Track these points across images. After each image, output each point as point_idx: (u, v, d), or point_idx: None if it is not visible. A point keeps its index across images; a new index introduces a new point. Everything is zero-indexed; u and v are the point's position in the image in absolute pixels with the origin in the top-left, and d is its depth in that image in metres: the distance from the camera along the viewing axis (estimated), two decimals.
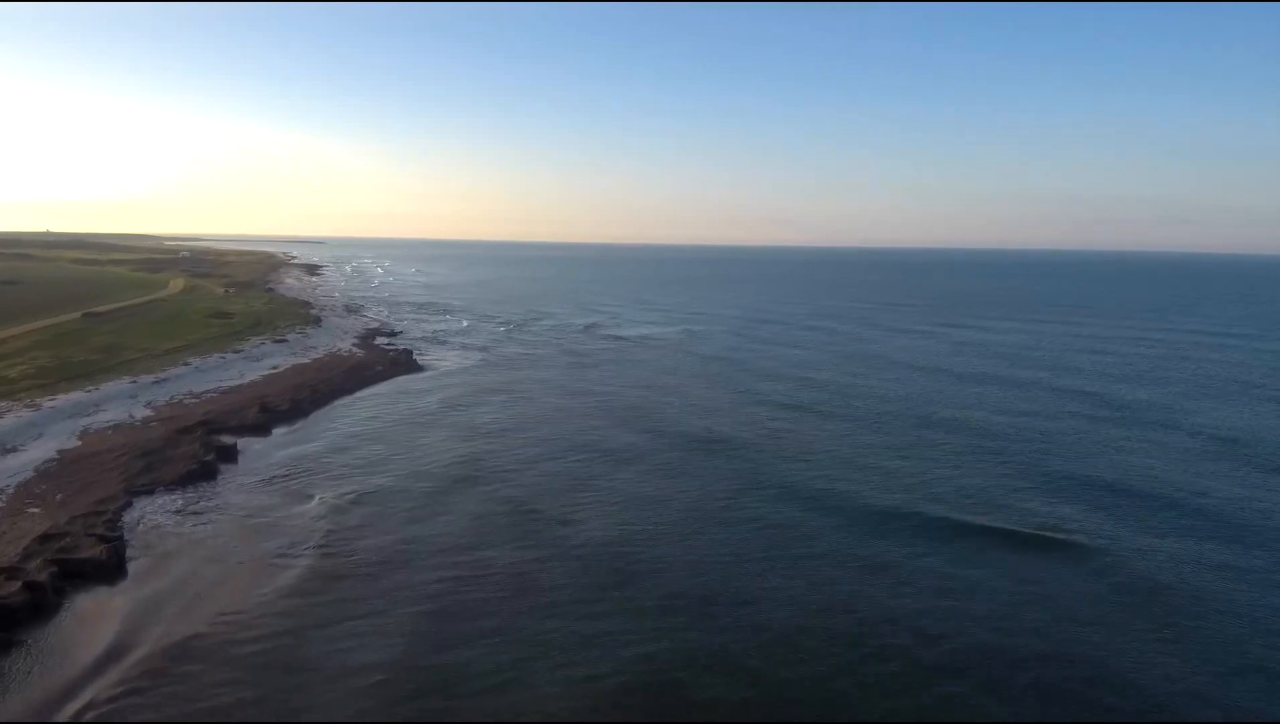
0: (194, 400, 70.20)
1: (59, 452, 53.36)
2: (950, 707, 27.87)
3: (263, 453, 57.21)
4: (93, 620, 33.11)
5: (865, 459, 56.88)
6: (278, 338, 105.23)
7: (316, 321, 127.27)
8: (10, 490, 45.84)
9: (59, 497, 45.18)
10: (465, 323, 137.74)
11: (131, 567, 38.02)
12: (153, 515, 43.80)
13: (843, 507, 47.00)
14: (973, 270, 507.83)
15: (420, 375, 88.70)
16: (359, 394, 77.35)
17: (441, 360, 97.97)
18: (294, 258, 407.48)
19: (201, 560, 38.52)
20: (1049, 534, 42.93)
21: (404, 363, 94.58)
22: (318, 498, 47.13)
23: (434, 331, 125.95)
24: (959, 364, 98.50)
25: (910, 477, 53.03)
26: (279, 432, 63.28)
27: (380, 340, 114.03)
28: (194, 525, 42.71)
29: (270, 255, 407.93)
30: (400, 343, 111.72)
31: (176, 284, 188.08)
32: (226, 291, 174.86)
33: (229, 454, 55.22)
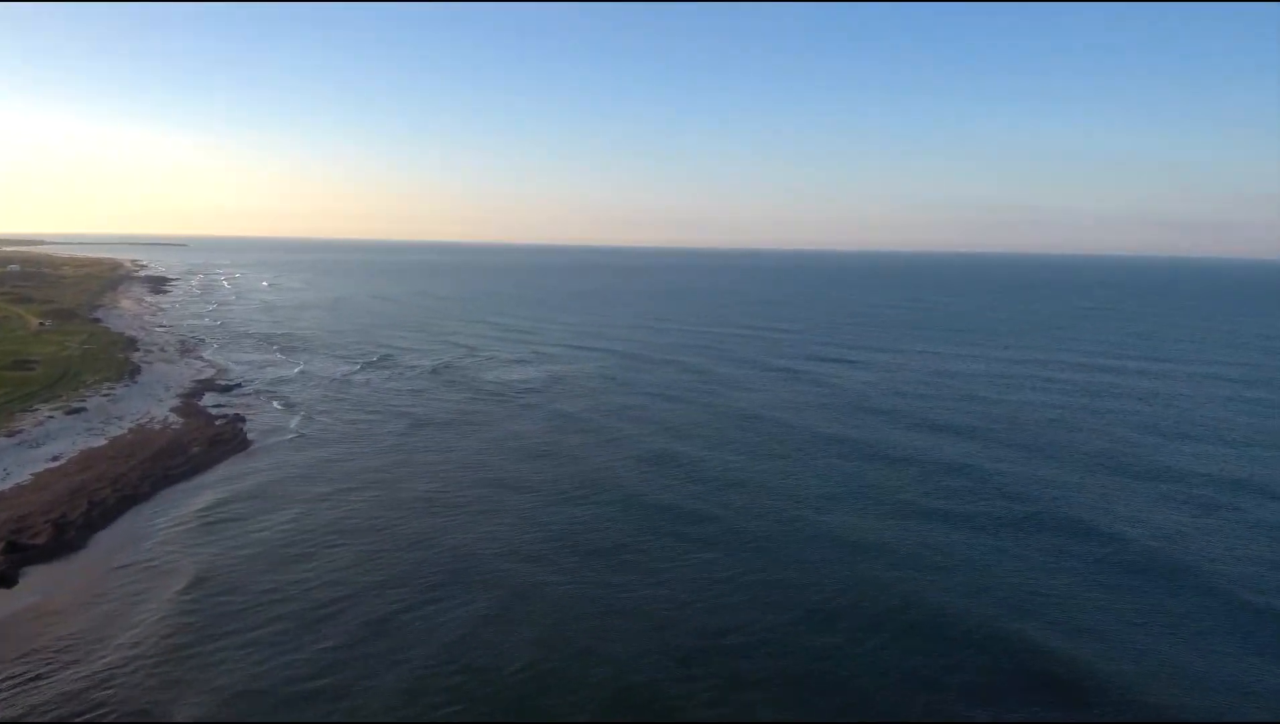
0: None
1: None
2: None
3: None
4: None
5: (702, 633, 42.86)
6: (75, 406, 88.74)
7: (135, 372, 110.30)
8: None
9: None
10: (299, 367, 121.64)
11: None
12: None
13: None
14: (846, 274, 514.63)
15: (241, 457, 74.76)
16: (155, 501, 62.95)
17: (268, 430, 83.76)
18: (143, 268, 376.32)
19: None
20: None
21: (228, 439, 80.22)
22: None
23: (272, 380, 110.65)
24: (832, 424, 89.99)
25: (762, 665, 40.14)
26: (30, 578, 49.40)
27: (208, 398, 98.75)
28: None
29: (117, 265, 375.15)
30: (232, 402, 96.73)
31: None
32: (42, 324, 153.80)
33: None
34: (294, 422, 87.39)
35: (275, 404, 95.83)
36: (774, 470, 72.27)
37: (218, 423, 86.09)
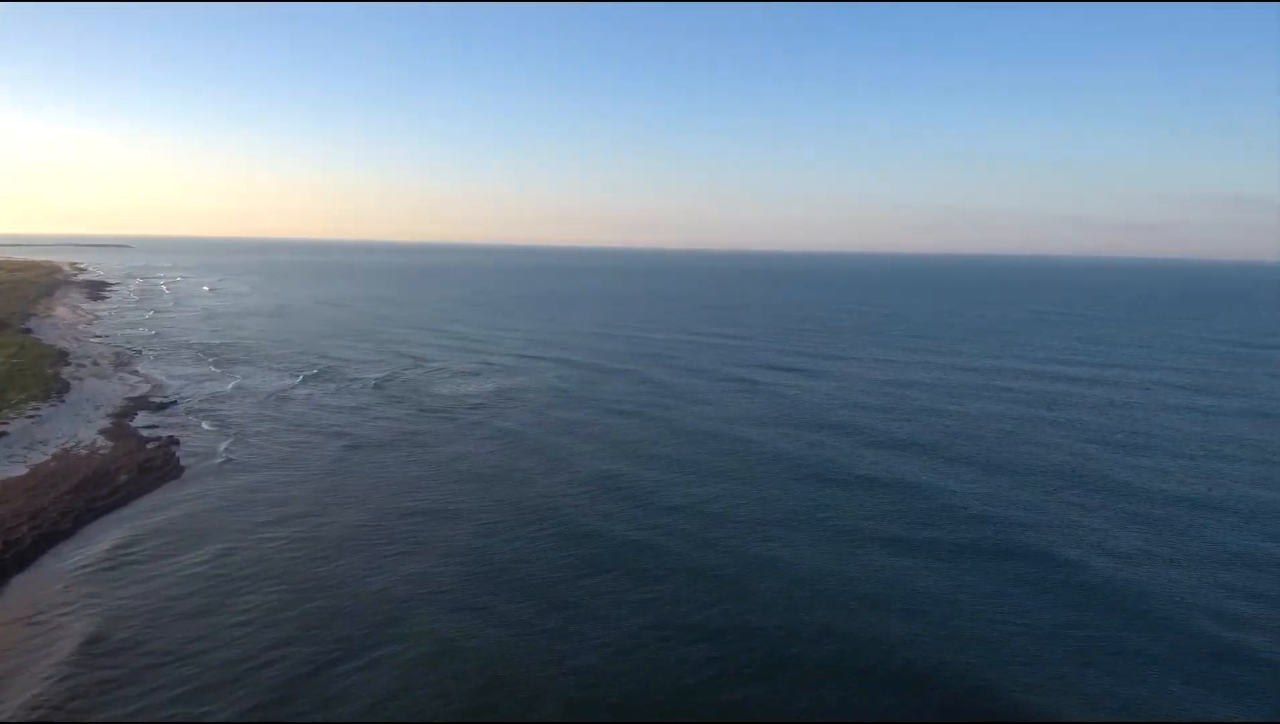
0: None
1: None
2: None
3: None
4: None
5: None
6: None
7: (64, 389, 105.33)
8: None
9: None
10: (236, 382, 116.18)
11: None
12: None
13: None
14: (806, 277, 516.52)
15: (173, 485, 70.89)
16: (76, 539, 58.87)
17: (202, 453, 79.79)
18: (82, 272, 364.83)
19: None
20: None
21: (159, 465, 76.13)
22: None
23: (208, 396, 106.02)
24: (790, 441, 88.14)
25: None
26: None
27: (140, 418, 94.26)
28: None
29: (55, 268, 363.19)
30: (165, 421, 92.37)
31: None
32: None
33: None
34: (224, 445, 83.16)
35: (205, 425, 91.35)
36: (729, 494, 70.05)
37: (149, 447, 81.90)
